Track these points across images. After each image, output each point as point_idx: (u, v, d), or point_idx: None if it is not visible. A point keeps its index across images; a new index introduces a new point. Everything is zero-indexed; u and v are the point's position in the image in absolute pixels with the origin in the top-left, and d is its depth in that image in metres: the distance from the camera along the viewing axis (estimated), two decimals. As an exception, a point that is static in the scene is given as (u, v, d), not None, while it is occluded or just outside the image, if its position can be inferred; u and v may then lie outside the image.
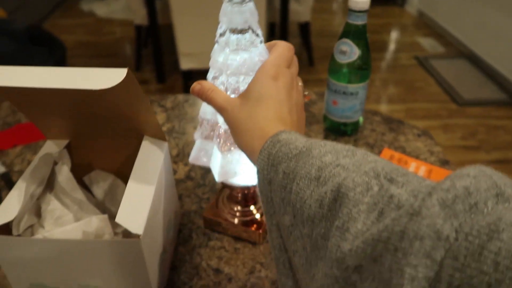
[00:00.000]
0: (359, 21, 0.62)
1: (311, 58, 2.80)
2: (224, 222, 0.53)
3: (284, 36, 2.27)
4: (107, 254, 0.38)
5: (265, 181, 0.32)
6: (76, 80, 0.35)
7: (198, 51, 2.07)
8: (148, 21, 2.26)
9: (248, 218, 0.54)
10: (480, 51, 3.00)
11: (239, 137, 0.36)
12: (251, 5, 0.40)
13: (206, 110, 0.46)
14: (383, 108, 2.51)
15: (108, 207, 0.50)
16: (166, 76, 2.57)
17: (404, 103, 2.61)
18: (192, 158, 0.49)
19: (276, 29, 2.69)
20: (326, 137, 0.72)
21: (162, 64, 2.48)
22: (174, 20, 1.91)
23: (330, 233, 0.26)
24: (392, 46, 3.26)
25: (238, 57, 0.41)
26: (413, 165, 0.60)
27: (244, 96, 0.36)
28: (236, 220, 0.54)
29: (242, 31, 0.40)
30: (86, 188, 0.50)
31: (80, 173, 0.49)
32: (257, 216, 0.55)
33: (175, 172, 0.64)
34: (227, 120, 0.37)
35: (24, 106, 0.42)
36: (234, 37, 0.41)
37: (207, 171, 0.64)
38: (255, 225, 0.53)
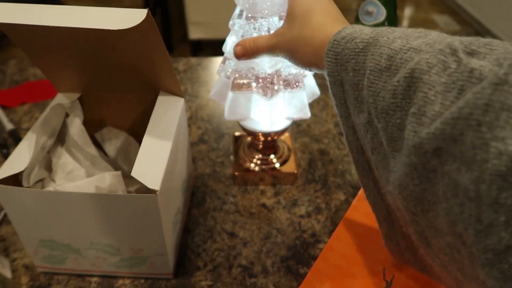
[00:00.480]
0: (387, -22, 0.58)
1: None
2: (260, 172, 0.53)
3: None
4: (122, 210, 0.36)
5: (336, 84, 0.31)
6: (92, 20, 0.32)
7: (208, 20, 2.01)
8: (157, -12, 2.19)
9: (271, 166, 0.53)
10: (498, 29, 2.91)
11: (299, 56, 0.35)
12: None
13: (227, 44, 0.44)
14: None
15: (120, 165, 0.48)
16: (174, 47, 2.51)
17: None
18: (213, 93, 0.48)
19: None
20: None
21: (171, 34, 2.42)
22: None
23: (405, 121, 0.25)
24: (405, 23, 3.16)
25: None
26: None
27: (289, 18, 0.35)
28: (267, 168, 0.53)
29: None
30: (97, 145, 0.48)
31: (91, 130, 0.47)
32: (277, 165, 0.53)
33: (188, 134, 0.62)
34: (282, 52, 0.36)
35: (35, 52, 0.40)
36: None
37: (220, 134, 0.62)
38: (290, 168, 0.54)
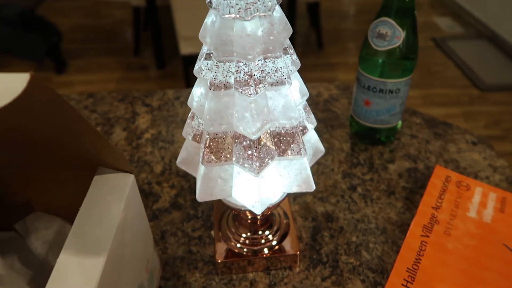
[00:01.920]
0: (404, -7, 0.45)
1: (320, 40, 2.61)
2: (249, 254, 0.40)
3: (291, 17, 2.08)
4: None
5: None
6: None
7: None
8: (146, 2, 2.09)
9: (265, 246, 0.40)
10: (503, 31, 2.79)
11: None
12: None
13: (193, 98, 0.32)
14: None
15: (53, 265, 0.34)
16: (166, 61, 2.40)
17: (421, 88, 2.43)
18: (180, 161, 0.35)
19: (283, 9, 2.49)
20: (353, 145, 0.56)
21: (162, 48, 2.31)
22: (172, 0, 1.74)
23: None
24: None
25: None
26: (478, 191, 0.45)
27: None
28: (260, 249, 0.40)
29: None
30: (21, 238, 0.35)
31: (13, 217, 0.34)
32: (274, 243, 0.40)
33: (157, 198, 0.49)
34: None
35: None
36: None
37: (200, 195, 0.49)
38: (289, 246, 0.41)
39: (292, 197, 0.48)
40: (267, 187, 0.32)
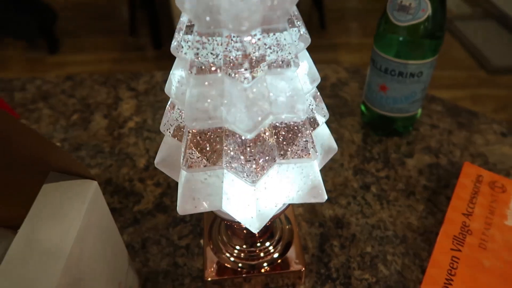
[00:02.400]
0: (433, -45, 0.37)
1: (322, 19, 2.50)
2: (244, 270, 0.33)
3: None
4: None
5: None
6: None
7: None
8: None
9: (264, 260, 0.34)
10: (511, 10, 2.68)
11: None
12: None
13: (171, 84, 0.25)
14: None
15: None
16: (164, 41, 2.30)
17: (427, 70, 2.33)
18: (159, 161, 0.28)
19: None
20: (365, 136, 0.49)
21: (159, 28, 2.21)
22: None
23: None
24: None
25: None
26: (515, 194, 0.38)
27: None
28: (258, 264, 0.33)
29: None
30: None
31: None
32: (276, 255, 0.34)
33: (139, 198, 0.42)
34: None
35: None
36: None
37: (189, 195, 0.42)
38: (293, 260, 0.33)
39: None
40: (266, 198, 0.25)
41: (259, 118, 0.22)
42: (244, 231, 0.33)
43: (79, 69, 2.15)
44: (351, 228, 0.39)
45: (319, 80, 0.26)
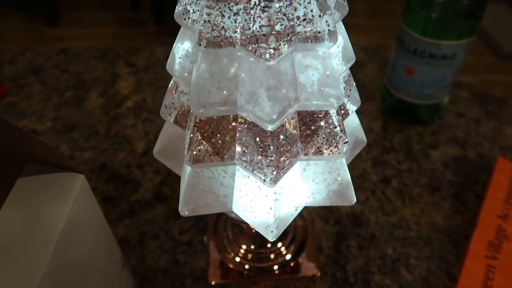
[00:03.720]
0: None
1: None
2: (253, 273, 0.30)
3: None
4: None
5: None
6: None
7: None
8: None
9: (275, 262, 0.30)
10: None
11: None
12: None
13: (174, 60, 0.20)
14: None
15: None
16: (166, 16, 2.23)
17: (437, 54, 2.27)
18: (158, 151, 0.24)
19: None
20: (385, 124, 0.45)
21: (161, 1, 2.14)
22: None
23: None
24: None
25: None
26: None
27: None
28: (268, 266, 0.30)
29: None
30: None
31: None
32: (288, 257, 0.30)
33: (137, 186, 0.38)
34: None
35: None
36: None
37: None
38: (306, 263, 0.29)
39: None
40: (286, 201, 0.21)
41: (285, 106, 0.18)
42: (253, 230, 0.30)
43: (78, 43, 2.09)
44: (370, 226, 0.35)
45: (354, 59, 0.21)
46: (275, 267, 0.30)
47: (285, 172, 0.20)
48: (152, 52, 0.56)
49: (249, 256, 0.30)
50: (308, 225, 0.33)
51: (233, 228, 0.32)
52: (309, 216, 0.34)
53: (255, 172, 0.20)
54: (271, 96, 0.18)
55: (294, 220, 0.33)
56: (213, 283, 0.29)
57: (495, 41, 2.32)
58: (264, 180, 0.20)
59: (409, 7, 0.39)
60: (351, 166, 0.40)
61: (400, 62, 0.41)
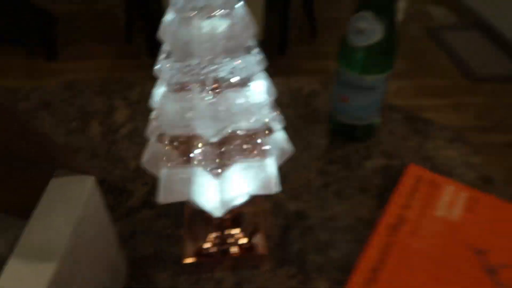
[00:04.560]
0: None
1: (314, 29, 2.58)
2: (217, 254, 0.40)
3: (285, 5, 2.05)
4: None
5: None
6: None
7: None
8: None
9: (233, 245, 0.40)
10: (496, 21, 2.77)
11: None
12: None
13: (154, 99, 0.31)
14: (389, 85, 2.32)
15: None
16: (158, 49, 2.37)
17: (412, 79, 2.42)
18: (146, 161, 0.34)
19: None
20: (331, 142, 0.56)
21: (154, 36, 2.28)
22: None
23: None
24: (400, 16, 3.03)
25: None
26: (449, 191, 0.45)
27: None
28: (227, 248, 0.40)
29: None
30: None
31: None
32: (243, 241, 0.40)
33: (130, 195, 0.48)
34: None
35: None
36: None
37: (173, 192, 0.48)
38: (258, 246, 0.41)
39: (264, 195, 0.48)
40: (228, 189, 0.32)
41: (221, 126, 0.29)
42: (217, 220, 0.40)
43: (76, 76, 2.21)
44: (310, 220, 0.45)
45: (274, 95, 0.32)
46: (234, 249, 0.40)
47: (226, 170, 0.30)
48: (144, 87, 0.67)
49: (214, 241, 0.40)
50: (261, 218, 0.43)
51: (202, 221, 0.42)
52: (262, 212, 0.45)
53: (206, 170, 0.30)
54: (212, 120, 0.29)
55: (249, 216, 0.43)
56: (186, 261, 0.39)
57: (468, 65, 2.48)
58: (212, 176, 0.30)
59: (340, 50, 0.50)
60: (300, 176, 0.51)
61: (338, 92, 0.52)
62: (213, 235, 0.41)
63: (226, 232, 0.41)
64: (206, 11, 0.26)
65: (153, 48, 2.32)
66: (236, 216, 0.41)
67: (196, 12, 0.26)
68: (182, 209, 0.46)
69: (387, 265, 0.37)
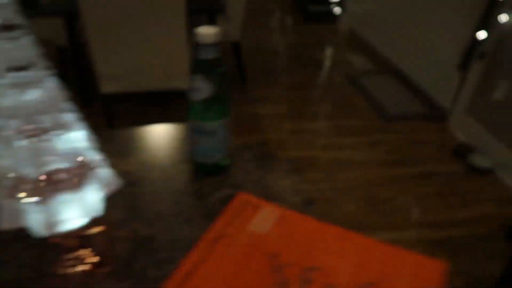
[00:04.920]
0: (209, 55, 0.58)
1: (243, 77, 2.79)
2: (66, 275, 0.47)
3: (220, 56, 2.21)
4: None
5: None
6: None
7: (120, 72, 1.98)
8: (69, 42, 2.15)
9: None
10: (404, 66, 3.13)
11: None
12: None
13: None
14: (310, 126, 2.54)
15: None
16: (92, 100, 2.44)
17: (333, 120, 2.66)
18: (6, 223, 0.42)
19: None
20: (191, 177, 0.67)
21: (88, 88, 2.36)
22: (90, 37, 1.81)
23: None
24: (325, 63, 3.33)
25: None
26: (267, 211, 0.56)
27: None
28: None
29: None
30: None
31: None
32: (92, 260, 0.49)
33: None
34: None
35: None
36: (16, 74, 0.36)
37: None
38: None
39: (119, 221, 0.57)
40: (52, 216, 0.41)
41: (40, 165, 0.39)
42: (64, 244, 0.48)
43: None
44: (157, 243, 0.55)
45: (91, 141, 0.43)
46: (82, 267, 0.49)
47: (49, 200, 0.40)
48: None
49: (64, 263, 0.49)
50: (111, 243, 0.52)
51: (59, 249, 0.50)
52: (113, 237, 0.54)
53: (33, 201, 0.40)
54: (32, 160, 0.38)
55: (103, 238, 0.52)
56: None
57: (383, 106, 2.76)
58: (38, 205, 0.40)
59: (188, 103, 0.63)
60: (161, 206, 0.61)
61: (190, 136, 0.64)
62: (64, 257, 0.49)
63: (75, 253, 0.49)
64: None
65: (86, 99, 2.38)
66: (83, 239, 0.50)
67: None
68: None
69: (200, 269, 0.47)
